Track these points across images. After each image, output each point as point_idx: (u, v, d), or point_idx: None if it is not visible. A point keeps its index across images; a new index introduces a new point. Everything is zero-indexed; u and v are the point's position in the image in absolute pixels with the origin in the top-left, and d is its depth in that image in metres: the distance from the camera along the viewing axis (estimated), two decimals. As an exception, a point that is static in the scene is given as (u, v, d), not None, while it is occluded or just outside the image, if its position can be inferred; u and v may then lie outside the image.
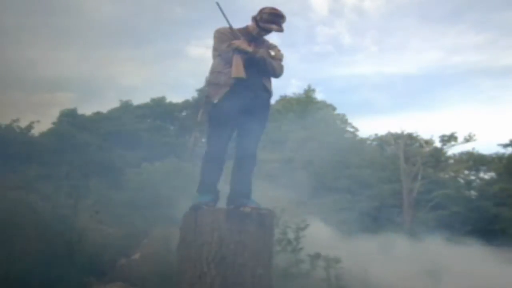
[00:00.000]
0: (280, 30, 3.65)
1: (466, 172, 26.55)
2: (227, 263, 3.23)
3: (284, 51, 3.84)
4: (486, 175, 26.33)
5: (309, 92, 24.51)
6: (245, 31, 3.67)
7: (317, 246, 4.84)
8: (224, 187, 3.68)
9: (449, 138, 25.37)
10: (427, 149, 25.04)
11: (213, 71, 3.67)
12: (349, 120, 26.73)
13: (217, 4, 3.46)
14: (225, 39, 3.57)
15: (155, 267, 3.98)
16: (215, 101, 3.59)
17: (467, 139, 25.02)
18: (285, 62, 3.81)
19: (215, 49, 3.65)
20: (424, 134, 25.77)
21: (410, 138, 24.98)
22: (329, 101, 25.75)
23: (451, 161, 26.47)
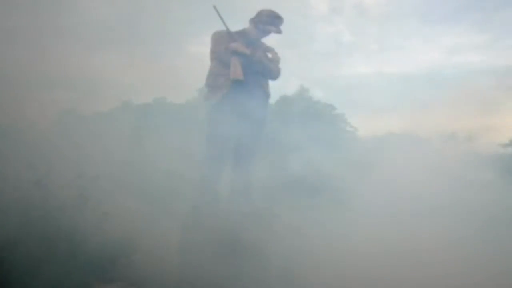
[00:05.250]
0: (279, 31, 3.70)
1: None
2: (227, 263, 3.25)
3: (283, 50, 3.89)
4: (486, 175, 26.29)
5: (302, 91, 24.28)
6: (242, 34, 3.71)
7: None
8: (224, 187, 3.70)
9: (449, 138, 25.33)
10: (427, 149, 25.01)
11: (210, 74, 3.71)
12: (349, 120, 26.62)
13: (214, 7, 3.50)
14: (223, 42, 3.61)
15: (155, 267, 3.99)
16: (214, 103, 3.63)
17: (467, 139, 24.99)
18: (284, 61, 3.85)
19: (212, 51, 3.69)
20: (424, 134, 25.74)
21: (410, 138, 24.95)
22: (329, 101, 25.61)
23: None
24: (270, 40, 3.86)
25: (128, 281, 3.97)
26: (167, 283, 3.62)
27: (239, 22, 3.79)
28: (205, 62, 3.77)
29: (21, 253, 3.39)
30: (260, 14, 3.68)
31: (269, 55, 3.75)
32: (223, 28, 3.59)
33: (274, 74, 3.76)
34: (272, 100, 3.99)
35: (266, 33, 3.71)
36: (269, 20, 3.65)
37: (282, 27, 3.72)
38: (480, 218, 4.90)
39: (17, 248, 3.40)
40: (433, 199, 5.06)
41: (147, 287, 3.95)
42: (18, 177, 4.03)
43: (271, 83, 3.84)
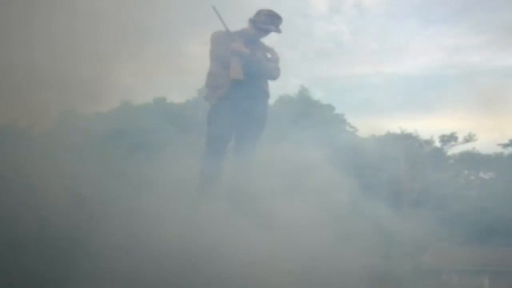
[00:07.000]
0: (278, 31, 3.69)
1: (466, 172, 26.58)
2: (227, 263, 3.25)
3: (283, 50, 3.89)
4: (486, 175, 26.37)
5: (303, 92, 24.21)
6: (242, 34, 3.70)
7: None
8: (223, 187, 3.70)
9: (449, 138, 25.43)
10: (427, 149, 25.07)
11: (210, 74, 3.71)
12: (348, 120, 26.57)
13: (213, 8, 3.50)
14: (222, 42, 3.61)
15: (155, 267, 3.99)
16: (213, 103, 3.63)
17: (467, 139, 25.09)
18: (284, 61, 3.85)
19: (212, 51, 3.68)
20: (424, 134, 25.77)
21: (410, 138, 24.98)
22: (328, 101, 25.58)
23: (451, 161, 26.49)
24: (270, 40, 3.86)
25: (128, 281, 3.97)
26: (167, 283, 3.62)
27: (239, 22, 3.79)
28: (205, 62, 3.77)
29: (21, 252, 3.40)
30: (259, 13, 3.67)
31: (269, 55, 3.75)
32: (223, 28, 3.59)
33: (274, 74, 3.76)
34: (272, 100, 3.99)
35: (266, 33, 3.71)
36: (269, 20, 3.64)
37: (282, 27, 3.71)
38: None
39: (16, 248, 3.41)
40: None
41: (147, 287, 3.95)
42: (17, 177, 4.03)
43: (271, 83, 3.84)
